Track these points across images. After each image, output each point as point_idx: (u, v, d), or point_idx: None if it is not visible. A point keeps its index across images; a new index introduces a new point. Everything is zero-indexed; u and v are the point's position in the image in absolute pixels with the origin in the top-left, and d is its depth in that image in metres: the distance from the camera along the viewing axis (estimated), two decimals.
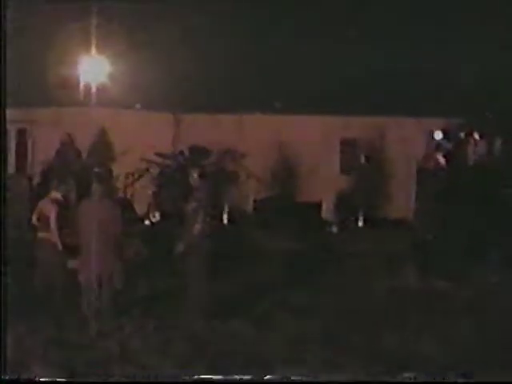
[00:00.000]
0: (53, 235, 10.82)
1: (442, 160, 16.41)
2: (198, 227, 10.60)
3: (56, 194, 11.07)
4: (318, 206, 17.90)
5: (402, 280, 13.16)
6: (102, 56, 16.83)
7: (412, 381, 7.55)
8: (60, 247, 10.80)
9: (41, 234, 10.98)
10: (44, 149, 17.63)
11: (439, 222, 15.01)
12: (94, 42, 16.43)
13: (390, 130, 18.48)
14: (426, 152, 18.17)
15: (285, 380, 7.88)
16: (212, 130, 17.72)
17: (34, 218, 11.13)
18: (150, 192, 17.34)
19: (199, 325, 10.29)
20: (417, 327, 10.34)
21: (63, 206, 11.00)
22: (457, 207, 14.94)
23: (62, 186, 11.21)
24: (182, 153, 17.81)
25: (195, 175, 11.03)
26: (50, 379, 7.80)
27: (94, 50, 16.61)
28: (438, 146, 17.25)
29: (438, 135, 17.09)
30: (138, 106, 17.98)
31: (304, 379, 7.83)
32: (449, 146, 17.14)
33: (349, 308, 11.30)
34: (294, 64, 17.43)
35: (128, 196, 17.36)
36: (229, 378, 7.99)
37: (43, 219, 10.92)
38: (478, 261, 13.39)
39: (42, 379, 7.86)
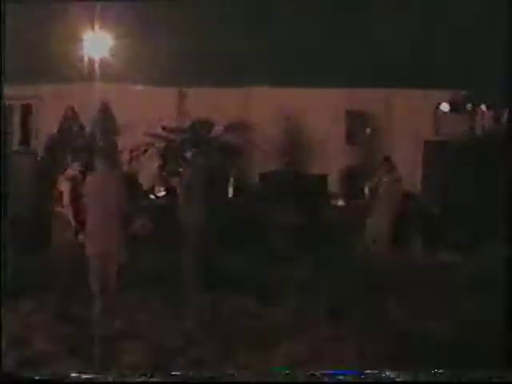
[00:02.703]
0: (66, 211, 10.88)
1: (448, 132, 16.32)
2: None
3: (70, 171, 11.11)
4: (324, 178, 17.83)
5: (409, 253, 13.14)
6: (105, 31, 16.73)
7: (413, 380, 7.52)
8: (73, 223, 10.84)
9: (56, 209, 11.08)
10: (48, 124, 17.58)
11: (446, 195, 14.97)
12: (97, 17, 16.34)
13: (396, 101, 18.38)
14: (433, 124, 18.11)
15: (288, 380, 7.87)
16: (217, 103, 17.64)
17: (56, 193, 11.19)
18: (154, 166, 17.28)
19: (204, 299, 10.29)
20: (422, 301, 10.31)
21: (78, 182, 11.04)
22: (464, 179, 14.89)
23: (77, 162, 11.23)
24: (187, 127, 17.78)
25: (189, 152, 11.05)
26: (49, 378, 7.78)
27: (97, 25, 16.51)
28: (445, 117, 17.16)
29: (445, 107, 16.98)
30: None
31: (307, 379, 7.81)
32: (456, 117, 17.06)
33: (354, 281, 11.28)
34: (300, 37, 17.31)
35: (133, 170, 17.31)
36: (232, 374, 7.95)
37: (58, 195, 11.02)
38: (487, 234, 13.33)
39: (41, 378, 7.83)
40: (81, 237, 10.90)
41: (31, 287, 10.59)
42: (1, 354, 8.02)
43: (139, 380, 7.78)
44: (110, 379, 7.79)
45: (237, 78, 17.53)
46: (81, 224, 10.90)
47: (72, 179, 11.01)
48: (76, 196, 10.93)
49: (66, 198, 10.89)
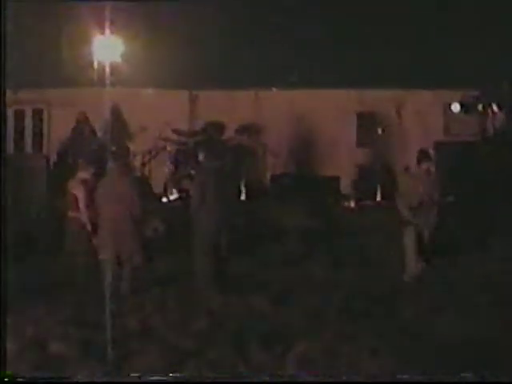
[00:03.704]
0: (82, 215, 10.92)
1: (459, 132, 16.27)
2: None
3: (82, 174, 11.14)
4: (336, 180, 17.83)
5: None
6: (116, 35, 16.78)
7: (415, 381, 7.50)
8: (89, 227, 10.89)
9: (70, 214, 11.08)
10: (60, 129, 17.66)
11: (458, 195, 14.92)
12: (107, 21, 16.37)
13: (406, 102, 18.36)
14: (444, 124, 18.08)
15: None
16: (228, 106, 17.68)
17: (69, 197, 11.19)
18: (166, 170, 17.33)
19: (218, 301, 10.31)
20: (434, 301, 10.30)
21: (91, 186, 11.09)
22: (475, 180, 14.86)
23: (90, 166, 11.27)
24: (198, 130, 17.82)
25: (202, 155, 11.10)
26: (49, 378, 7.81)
27: (107, 30, 16.56)
28: (456, 118, 17.13)
29: (456, 107, 16.94)
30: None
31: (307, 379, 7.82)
32: (467, 118, 17.02)
33: (366, 284, 11.28)
34: (309, 38, 17.32)
35: (145, 174, 17.37)
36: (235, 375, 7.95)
37: (72, 199, 11.02)
38: (495, 236, 13.29)
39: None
40: (95, 240, 10.96)
41: (44, 290, 10.62)
42: (5, 358, 8.04)
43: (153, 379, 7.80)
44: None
45: (248, 80, 17.56)
46: (94, 228, 10.96)
47: (84, 183, 11.06)
48: (89, 200, 10.99)
49: (82, 202, 10.93)
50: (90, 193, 10.99)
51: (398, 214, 11.70)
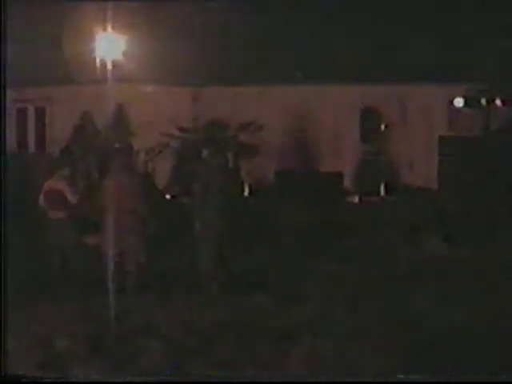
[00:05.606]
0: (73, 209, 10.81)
1: (463, 127, 16.23)
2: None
3: (62, 171, 10.99)
4: (340, 176, 17.81)
5: (426, 249, 13.08)
6: (118, 32, 16.75)
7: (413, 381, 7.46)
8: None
9: (53, 214, 10.90)
10: (62, 127, 17.64)
11: (462, 190, 14.89)
12: (109, 18, 16.36)
13: (410, 97, 18.33)
14: (448, 119, 18.05)
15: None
16: (231, 102, 17.66)
17: (42, 199, 11.01)
18: (170, 166, 17.33)
19: (222, 299, 10.28)
20: (441, 296, 10.25)
21: (72, 182, 11.01)
22: (480, 175, 14.82)
23: (66, 166, 11.15)
24: (201, 126, 17.82)
25: (205, 151, 11.05)
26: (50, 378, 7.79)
27: (109, 27, 16.53)
28: (459, 113, 17.08)
29: (459, 102, 16.90)
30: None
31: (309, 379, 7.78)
32: (470, 112, 16.98)
33: (372, 279, 11.24)
34: (313, 34, 17.31)
35: (149, 170, 17.36)
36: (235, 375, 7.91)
37: (55, 197, 10.82)
38: (504, 230, 13.26)
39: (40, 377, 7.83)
40: (90, 238, 10.91)
41: (48, 288, 10.60)
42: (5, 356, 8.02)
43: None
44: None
45: (251, 76, 17.53)
46: (87, 225, 10.89)
47: (66, 178, 10.91)
48: (80, 196, 10.88)
49: (71, 195, 10.79)
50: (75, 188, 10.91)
51: None
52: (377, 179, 17.87)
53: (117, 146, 16.16)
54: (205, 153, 11.18)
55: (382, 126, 18.36)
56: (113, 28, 16.48)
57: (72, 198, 10.78)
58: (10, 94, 16.91)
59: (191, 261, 11.24)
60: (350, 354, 8.31)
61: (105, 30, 16.53)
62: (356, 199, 17.38)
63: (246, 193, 17.42)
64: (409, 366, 7.76)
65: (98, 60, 16.63)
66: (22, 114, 18.27)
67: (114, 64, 16.33)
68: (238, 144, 17.68)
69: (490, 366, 7.75)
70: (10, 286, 9.45)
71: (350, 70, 17.19)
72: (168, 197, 16.78)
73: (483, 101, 16.85)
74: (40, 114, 18.44)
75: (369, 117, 18.63)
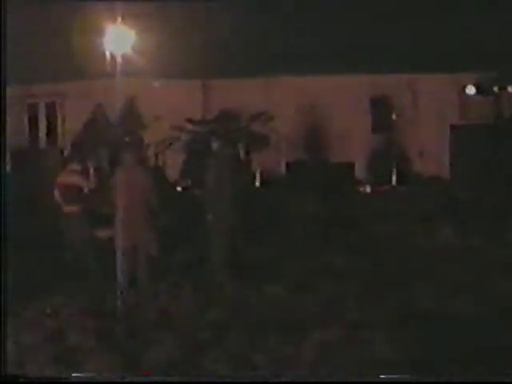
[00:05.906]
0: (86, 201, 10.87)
1: (474, 115, 16.17)
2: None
3: (73, 166, 11.04)
4: (351, 166, 17.78)
5: (438, 238, 13.04)
6: (128, 26, 16.78)
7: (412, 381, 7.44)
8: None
9: (67, 208, 10.94)
10: (74, 121, 17.68)
11: (474, 179, 14.84)
12: (119, 12, 16.39)
13: (421, 86, 18.26)
14: (459, 107, 17.98)
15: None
16: (241, 94, 17.65)
17: (57, 194, 11.06)
18: (181, 159, 17.36)
19: (234, 290, 10.29)
20: (452, 286, 10.22)
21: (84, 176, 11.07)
22: (493, 163, 14.76)
23: (79, 158, 11.21)
24: (212, 118, 17.82)
25: (215, 143, 11.04)
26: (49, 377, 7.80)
27: (119, 21, 16.57)
28: (471, 100, 17.02)
29: (471, 90, 16.83)
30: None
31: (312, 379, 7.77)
32: (482, 100, 16.91)
33: (384, 269, 11.23)
34: (320, 24, 17.27)
35: (160, 163, 17.39)
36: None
37: (69, 190, 10.87)
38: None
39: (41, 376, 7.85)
40: (101, 232, 10.93)
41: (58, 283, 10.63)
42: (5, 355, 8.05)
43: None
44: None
45: (261, 67, 17.51)
46: (100, 218, 10.91)
47: (77, 173, 10.96)
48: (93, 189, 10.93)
49: (86, 187, 10.85)
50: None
51: None
52: (388, 169, 17.82)
53: (127, 139, 16.20)
54: (215, 145, 11.18)
55: (393, 115, 18.30)
56: (123, 22, 16.52)
57: (87, 186, 10.87)
58: (21, 89, 17.08)
59: (203, 252, 11.26)
60: (360, 344, 8.33)
61: (115, 24, 16.57)
62: (368, 189, 17.36)
63: (258, 184, 17.41)
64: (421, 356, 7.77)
65: (108, 54, 16.67)
66: (32, 109, 18.31)
67: (125, 58, 16.37)
68: (249, 135, 17.67)
69: (503, 353, 7.73)
70: (26, 279, 9.53)
71: (360, 59, 17.13)
72: (179, 189, 16.81)
73: (495, 88, 16.78)
74: (51, 109, 18.48)
75: (380, 106, 18.57)
